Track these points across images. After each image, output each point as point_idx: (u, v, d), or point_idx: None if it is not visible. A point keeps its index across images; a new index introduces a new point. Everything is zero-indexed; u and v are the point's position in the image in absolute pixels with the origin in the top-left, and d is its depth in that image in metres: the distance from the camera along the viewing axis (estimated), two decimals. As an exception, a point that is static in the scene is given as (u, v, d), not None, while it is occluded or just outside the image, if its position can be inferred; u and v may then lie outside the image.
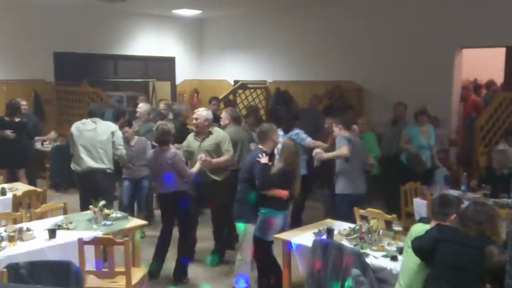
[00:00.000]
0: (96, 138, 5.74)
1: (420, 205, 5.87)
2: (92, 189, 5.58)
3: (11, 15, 10.09)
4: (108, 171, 5.79)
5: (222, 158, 5.56)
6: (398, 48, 9.33)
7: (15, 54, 10.14)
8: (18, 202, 5.55)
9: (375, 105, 9.54)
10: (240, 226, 4.75)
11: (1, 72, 10.01)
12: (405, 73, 9.18)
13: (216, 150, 5.58)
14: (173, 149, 5.26)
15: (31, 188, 5.98)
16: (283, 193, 4.59)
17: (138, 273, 4.44)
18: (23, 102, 8.26)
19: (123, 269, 4.13)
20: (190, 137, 5.81)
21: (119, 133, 5.91)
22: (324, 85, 10.04)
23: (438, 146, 7.66)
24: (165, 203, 5.37)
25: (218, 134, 5.68)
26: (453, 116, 8.99)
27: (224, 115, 6.35)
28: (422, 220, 4.04)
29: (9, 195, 5.70)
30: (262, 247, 4.68)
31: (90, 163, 5.69)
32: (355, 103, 9.59)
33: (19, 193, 5.66)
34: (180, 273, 5.31)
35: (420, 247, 3.31)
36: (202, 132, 5.66)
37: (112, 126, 5.90)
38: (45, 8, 10.34)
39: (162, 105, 7.64)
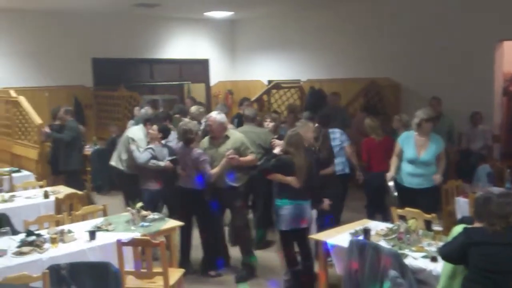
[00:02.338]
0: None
1: (462, 204, 5.70)
2: None
3: (52, 23, 10.38)
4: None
5: (248, 157, 5.41)
6: (436, 42, 9.08)
7: (56, 61, 10.41)
8: (60, 205, 5.70)
9: (413, 102, 9.31)
10: None
11: (43, 78, 10.30)
12: (444, 68, 8.94)
13: (236, 154, 5.35)
14: (198, 149, 5.34)
15: (73, 191, 6.12)
16: (287, 179, 4.72)
17: (175, 274, 4.49)
18: (63, 109, 8.17)
19: (161, 270, 4.18)
20: (205, 141, 5.58)
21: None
22: (359, 82, 9.89)
23: (481, 142, 7.43)
24: (184, 198, 5.48)
25: (235, 137, 5.46)
26: (496, 111, 8.70)
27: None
28: (464, 220, 3.92)
29: (52, 198, 5.86)
30: (280, 237, 4.89)
31: None
32: (392, 100, 9.42)
33: (61, 196, 5.81)
34: (208, 269, 5.45)
35: (448, 255, 3.16)
36: (218, 137, 5.45)
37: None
38: (82, 15, 10.59)
39: (192, 109, 7.69)
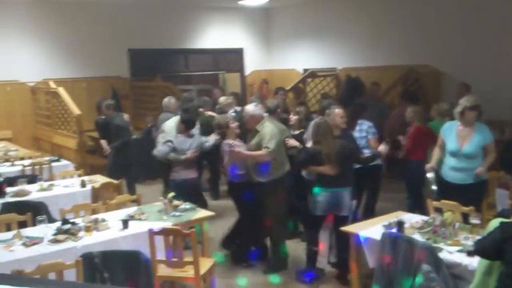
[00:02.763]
0: None
1: (502, 196, 5.47)
2: None
3: (89, 14, 10.56)
4: None
5: (256, 152, 5.18)
6: (479, 26, 8.72)
7: (94, 52, 10.61)
8: (96, 194, 5.81)
9: (455, 90, 9.01)
10: None
11: (81, 70, 10.52)
12: (487, 54, 8.59)
13: (258, 149, 5.20)
14: (226, 141, 5.36)
15: (109, 180, 6.22)
16: (320, 169, 4.82)
17: (206, 263, 4.50)
18: (105, 104, 7.76)
19: (192, 259, 4.20)
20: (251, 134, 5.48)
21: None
22: (397, 69, 9.64)
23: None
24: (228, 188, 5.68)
25: (262, 130, 5.23)
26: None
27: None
28: (503, 213, 3.76)
29: (89, 187, 5.97)
30: (313, 221, 5.06)
31: None
32: (431, 88, 9.15)
33: (97, 185, 5.92)
34: (238, 256, 5.52)
35: (484, 251, 3.02)
36: (251, 130, 5.35)
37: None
38: (120, 6, 10.74)
39: (221, 99, 7.69)
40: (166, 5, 11.27)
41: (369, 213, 6.14)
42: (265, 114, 5.57)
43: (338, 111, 5.25)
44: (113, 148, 7.46)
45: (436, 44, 9.32)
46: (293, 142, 5.62)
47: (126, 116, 7.84)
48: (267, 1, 11.58)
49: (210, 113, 7.33)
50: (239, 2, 11.51)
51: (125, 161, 7.52)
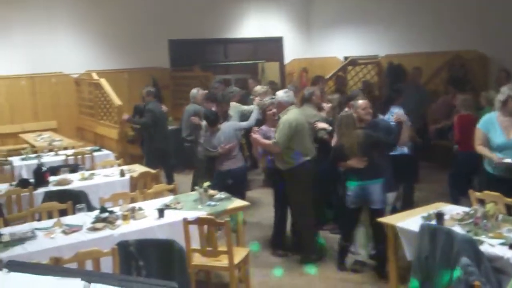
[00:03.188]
0: None
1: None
2: None
3: (129, 7, 10.71)
4: None
5: (266, 141, 5.27)
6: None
7: (134, 44, 10.77)
8: (135, 183, 5.90)
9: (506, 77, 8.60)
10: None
11: (123, 61, 10.71)
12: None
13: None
14: (262, 127, 5.53)
15: (147, 169, 6.31)
16: (348, 164, 4.76)
17: (241, 253, 4.49)
18: (145, 90, 7.90)
19: (226, 249, 4.21)
20: None
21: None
22: (442, 56, 9.31)
23: None
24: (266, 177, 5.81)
25: (281, 119, 5.21)
26: None
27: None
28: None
29: (127, 176, 6.06)
30: (346, 214, 4.99)
31: None
32: (478, 74, 8.78)
33: (135, 174, 6.01)
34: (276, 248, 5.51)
35: None
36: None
37: None
38: (158, -3, 10.87)
39: (256, 88, 7.59)
40: (206, -5, 11.33)
41: (408, 204, 5.97)
42: (293, 102, 5.41)
43: (360, 103, 5.02)
44: (136, 128, 7.74)
45: (484, 29, 8.89)
46: (321, 124, 5.50)
47: (164, 107, 7.89)
48: (307, -11, 11.43)
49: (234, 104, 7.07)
50: (279, -9, 11.41)
51: (162, 150, 7.60)
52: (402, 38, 10.59)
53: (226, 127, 6.05)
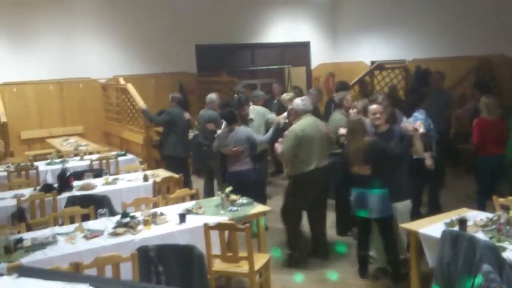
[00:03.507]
0: None
1: None
2: None
3: (157, 11, 10.87)
4: None
5: (277, 147, 5.48)
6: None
7: (161, 49, 10.91)
8: (158, 188, 5.96)
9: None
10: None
11: (149, 66, 10.86)
12: None
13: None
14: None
15: (171, 174, 6.35)
16: (354, 169, 4.73)
17: (261, 259, 4.48)
18: (170, 95, 8.01)
19: (246, 254, 4.20)
20: None
21: None
22: (470, 60, 9.14)
23: None
24: None
25: (291, 127, 5.40)
26: None
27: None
28: None
29: (151, 181, 6.12)
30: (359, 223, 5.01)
31: None
32: (506, 79, 8.58)
33: (158, 179, 6.06)
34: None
35: None
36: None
37: None
38: (185, 3, 10.97)
39: (283, 96, 7.54)
40: (233, 0, 11.35)
41: (434, 209, 5.84)
42: (308, 111, 5.42)
43: (371, 108, 4.92)
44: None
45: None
46: (343, 130, 5.45)
47: (187, 115, 7.83)
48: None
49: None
50: (305, -5, 11.39)
51: (173, 157, 7.58)
52: (429, 43, 10.45)
53: (240, 131, 6.07)
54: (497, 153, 5.81)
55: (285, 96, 7.41)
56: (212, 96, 7.48)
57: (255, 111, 6.77)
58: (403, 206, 4.76)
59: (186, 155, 7.78)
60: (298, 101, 5.45)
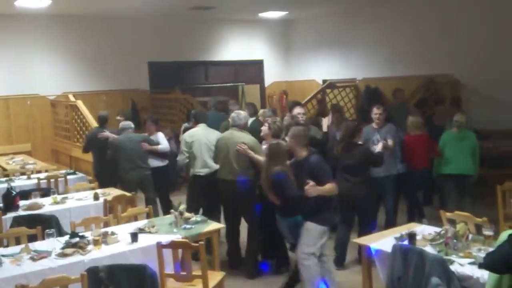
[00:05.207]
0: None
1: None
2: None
3: (108, 28, 10.75)
4: None
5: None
6: (504, 37, 8.56)
7: (113, 66, 10.78)
8: (111, 207, 5.81)
9: (474, 100, 8.82)
10: None
11: (101, 83, 10.69)
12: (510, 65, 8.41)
13: None
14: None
15: (122, 193, 6.22)
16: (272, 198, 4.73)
17: (216, 277, 4.43)
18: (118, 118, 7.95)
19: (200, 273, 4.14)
20: None
21: None
22: (416, 79, 9.50)
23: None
24: None
25: None
26: None
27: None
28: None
29: (102, 200, 5.97)
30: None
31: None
32: (448, 97, 8.97)
33: (109, 198, 5.92)
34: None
35: (492, 265, 2.84)
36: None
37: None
38: (139, 20, 10.90)
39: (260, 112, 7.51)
40: (186, 18, 11.37)
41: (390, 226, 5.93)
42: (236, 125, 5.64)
43: (296, 130, 4.70)
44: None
45: (457, 55, 9.22)
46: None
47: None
48: (287, 13, 11.59)
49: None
50: (260, 15, 11.54)
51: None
52: (377, 63, 10.82)
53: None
54: (423, 167, 6.25)
55: (260, 112, 7.29)
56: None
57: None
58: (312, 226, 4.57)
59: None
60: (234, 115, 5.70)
